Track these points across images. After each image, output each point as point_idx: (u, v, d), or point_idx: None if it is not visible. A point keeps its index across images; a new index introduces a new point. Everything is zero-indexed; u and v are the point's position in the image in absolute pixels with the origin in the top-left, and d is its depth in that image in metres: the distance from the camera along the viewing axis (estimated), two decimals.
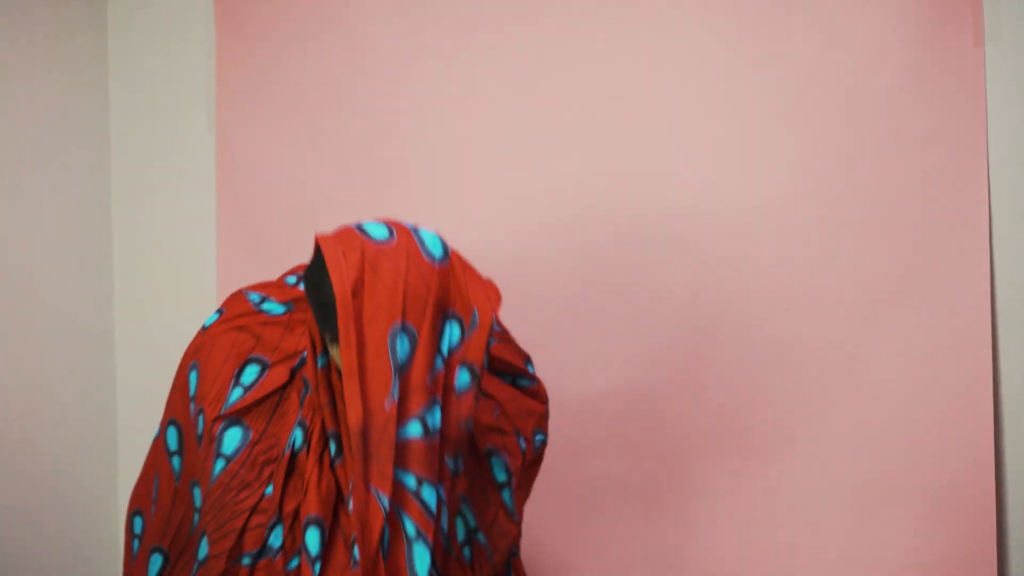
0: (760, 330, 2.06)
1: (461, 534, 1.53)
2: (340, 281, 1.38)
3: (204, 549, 1.54)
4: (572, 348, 2.13)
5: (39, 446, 2.20)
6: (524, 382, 1.71)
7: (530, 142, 2.15)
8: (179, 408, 1.62)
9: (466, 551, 1.54)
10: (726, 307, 2.07)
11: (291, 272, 1.68)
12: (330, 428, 1.47)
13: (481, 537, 1.54)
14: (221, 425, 1.53)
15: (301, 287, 1.62)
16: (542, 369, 1.93)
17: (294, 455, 1.51)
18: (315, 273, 1.44)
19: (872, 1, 1.99)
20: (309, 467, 1.49)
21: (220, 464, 1.52)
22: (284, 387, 1.54)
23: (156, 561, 1.64)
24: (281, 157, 2.28)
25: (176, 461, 1.62)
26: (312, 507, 1.46)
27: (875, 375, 2.01)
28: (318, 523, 1.47)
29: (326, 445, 1.49)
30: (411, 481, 1.40)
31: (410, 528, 1.40)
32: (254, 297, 1.62)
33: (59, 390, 2.27)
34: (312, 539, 1.46)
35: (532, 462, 1.68)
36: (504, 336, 1.72)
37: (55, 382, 2.25)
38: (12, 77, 2.16)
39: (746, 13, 2.05)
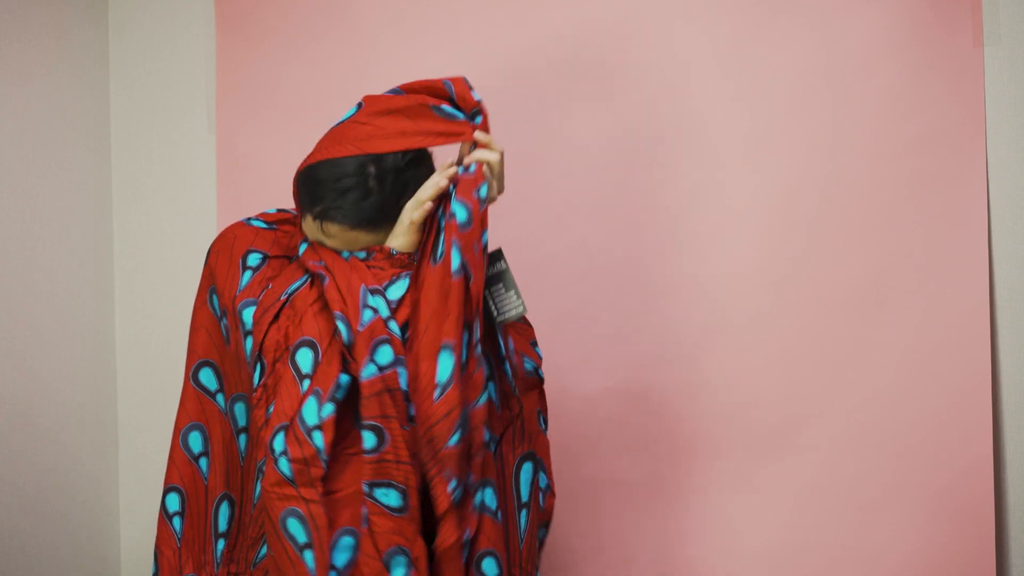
0: (760, 330, 2.06)
1: None
2: None
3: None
4: (572, 348, 2.13)
5: (40, 446, 2.21)
6: None
7: (529, 142, 2.15)
8: (209, 343, 1.70)
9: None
10: (726, 307, 2.08)
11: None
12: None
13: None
14: (240, 303, 1.60)
15: (285, 211, 1.76)
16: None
17: (290, 299, 1.59)
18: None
19: (871, 1, 1.99)
20: (305, 299, 1.57)
21: (249, 342, 1.58)
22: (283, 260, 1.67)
23: (224, 511, 1.68)
24: (281, 157, 2.28)
25: (220, 399, 1.68)
26: (307, 330, 1.53)
27: (874, 375, 2.02)
28: (311, 344, 1.52)
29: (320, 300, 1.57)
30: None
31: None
32: (242, 220, 1.73)
33: (60, 390, 2.27)
34: (304, 359, 1.52)
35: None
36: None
37: (56, 382, 2.26)
38: (12, 77, 2.16)
39: (745, 13, 2.05)
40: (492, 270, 1.64)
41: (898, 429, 2.01)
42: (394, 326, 1.53)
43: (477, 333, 1.54)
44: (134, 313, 2.42)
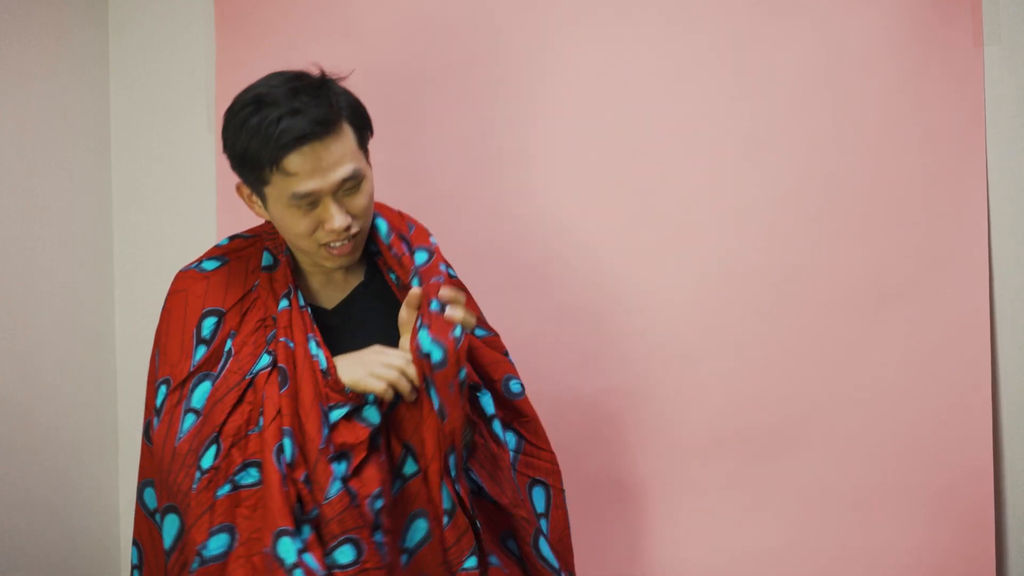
0: (759, 330, 2.06)
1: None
2: None
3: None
4: (572, 348, 2.13)
5: (40, 446, 2.21)
6: (481, 332, 1.75)
7: (529, 142, 2.15)
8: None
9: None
10: (725, 307, 2.07)
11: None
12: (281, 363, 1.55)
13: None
14: (195, 380, 1.56)
15: (237, 236, 1.72)
16: (541, 369, 1.93)
17: (253, 380, 1.55)
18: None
19: (871, 1, 1.99)
20: (269, 392, 1.53)
21: (190, 419, 1.54)
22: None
23: None
24: None
25: (158, 518, 1.63)
26: (282, 434, 1.50)
27: (874, 375, 2.02)
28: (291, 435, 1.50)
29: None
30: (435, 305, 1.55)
31: None
32: (192, 265, 1.69)
33: (60, 390, 2.27)
34: (289, 449, 1.50)
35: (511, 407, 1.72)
36: (459, 285, 1.76)
37: (56, 382, 2.26)
38: (13, 77, 2.16)
39: (745, 13, 2.05)
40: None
41: (898, 429, 2.01)
42: (332, 448, 1.52)
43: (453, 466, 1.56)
44: (134, 313, 2.42)
